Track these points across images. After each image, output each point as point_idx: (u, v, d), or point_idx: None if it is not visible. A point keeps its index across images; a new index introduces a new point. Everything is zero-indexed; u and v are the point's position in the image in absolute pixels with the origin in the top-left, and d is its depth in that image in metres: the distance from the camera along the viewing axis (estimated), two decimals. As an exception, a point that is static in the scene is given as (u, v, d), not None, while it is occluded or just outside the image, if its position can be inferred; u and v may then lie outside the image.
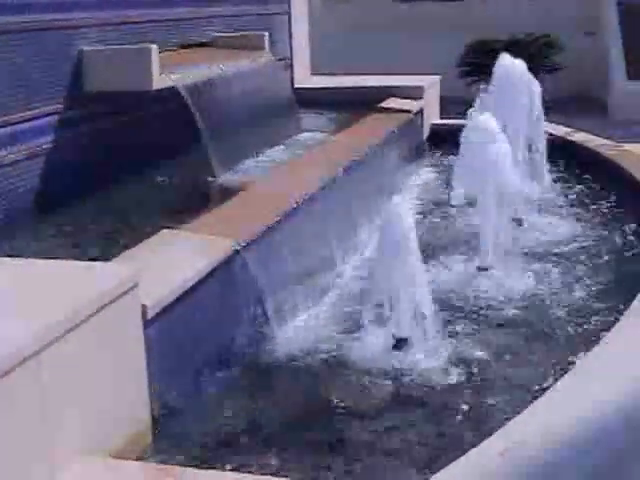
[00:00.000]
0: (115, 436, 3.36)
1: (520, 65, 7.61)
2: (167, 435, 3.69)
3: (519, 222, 6.67)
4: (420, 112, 9.60)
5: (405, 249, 4.58)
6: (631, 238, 6.42)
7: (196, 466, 3.28)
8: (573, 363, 4.03)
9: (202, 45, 7.88)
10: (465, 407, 4.01)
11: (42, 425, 2.95)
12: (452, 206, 6.83)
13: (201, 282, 4.11)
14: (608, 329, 4.24)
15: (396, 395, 4.18)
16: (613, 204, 7.27)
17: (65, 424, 3.07)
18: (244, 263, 4.53)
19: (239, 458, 3.60)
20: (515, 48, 9.74)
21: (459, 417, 3.94)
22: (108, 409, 3.34)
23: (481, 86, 7.62)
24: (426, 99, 9.87)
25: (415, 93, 9.73)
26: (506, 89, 7.45)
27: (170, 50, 7.10)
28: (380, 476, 3.50)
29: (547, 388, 3.65)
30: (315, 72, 11.11)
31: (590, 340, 4.20)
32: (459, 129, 6.43)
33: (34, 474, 2.90)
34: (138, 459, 3.34)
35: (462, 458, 2.97)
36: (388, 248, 4.63)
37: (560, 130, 9.19)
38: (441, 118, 10.57)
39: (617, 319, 4.38)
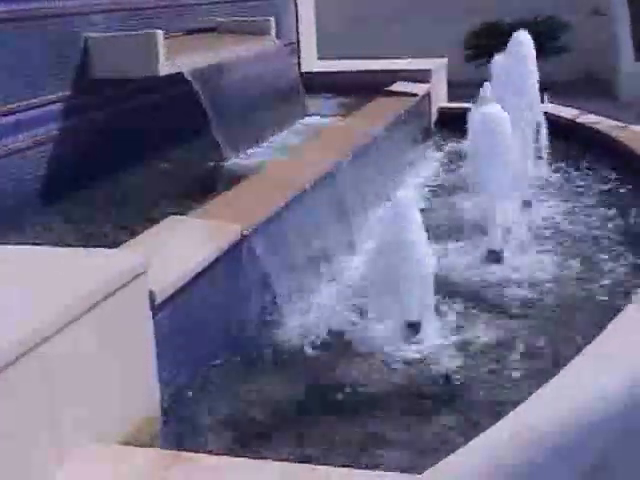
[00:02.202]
0: (124, 423, 3.36)
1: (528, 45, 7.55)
2: (176, 421, 3.69)
3: (527, 204, 6.67)
4: (427, 95, 9.58)
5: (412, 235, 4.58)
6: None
7: (205, 452, 3.28)
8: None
9: (208, 30, 7.86)
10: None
11: (49, 414, 2.95)
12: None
13: (209, 267, 4.11)
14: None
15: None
16: (624, 186, 7.24)
17: (72, 412, 3.07)
18: (252, 248, 4.52)
19: (248, 444, 3.60)
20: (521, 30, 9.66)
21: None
22: (116, 396, 3.34)
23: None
24: (433, 82, 9.85)
25: (422, 76, 9.70)
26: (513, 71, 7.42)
27: (176, 36, 7.09)
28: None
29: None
30: (321, 57, 11.09)
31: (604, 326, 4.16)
32: (466, 112, 6.42)
33: (41, 463, 2.90)
34: (147, 446, 3.33)
35: (470, 443, 2.96)
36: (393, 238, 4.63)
37: (567, 112, 9.15)
38: (448, 101, 10.56)
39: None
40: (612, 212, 6.61)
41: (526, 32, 7.52)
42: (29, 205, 5.30)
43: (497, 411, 3.39)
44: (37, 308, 3.02)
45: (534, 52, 7.43)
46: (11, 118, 5.26)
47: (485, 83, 7.41)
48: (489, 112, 5.95)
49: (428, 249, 4.62)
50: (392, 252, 4.58)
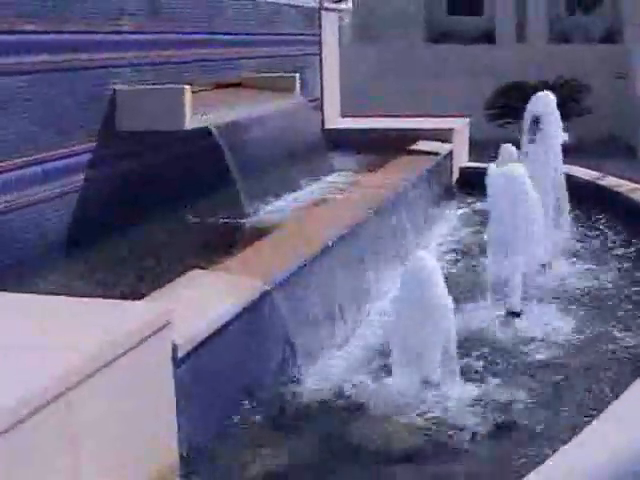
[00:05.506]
0: (142, 476, 3.36)
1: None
2: (195, 475, 3.69)
3: (547, 267, 6.67)
4: (449, 155, 9.63)
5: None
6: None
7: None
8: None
9: (235, 85, 7.94)
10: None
11: (69, 465, 2.96)
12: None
13: (231, 321, 4.12)
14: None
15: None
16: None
17: (92, 463, 3.08)
18: (274, 303, 4.54)
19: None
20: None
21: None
22: (135, 448, 3.35)
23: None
24: (455, 142, 9.91)
25: (445, 136, 9.77)
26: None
27: (202, 90, 7.16)
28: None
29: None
30: (345, 113, 11.16)
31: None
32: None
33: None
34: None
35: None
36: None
37: (590, 174, 9.17)
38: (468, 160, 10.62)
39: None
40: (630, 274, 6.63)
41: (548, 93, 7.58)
42: (53, 255, 5.34)
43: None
44: (60, 358, 3.04)
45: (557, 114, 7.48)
46: (38, 168, 5.31)
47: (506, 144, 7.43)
48: (510, 172, 5.98)
49: (450, 308, 4.63)
50: (413, 311, 4.60)
